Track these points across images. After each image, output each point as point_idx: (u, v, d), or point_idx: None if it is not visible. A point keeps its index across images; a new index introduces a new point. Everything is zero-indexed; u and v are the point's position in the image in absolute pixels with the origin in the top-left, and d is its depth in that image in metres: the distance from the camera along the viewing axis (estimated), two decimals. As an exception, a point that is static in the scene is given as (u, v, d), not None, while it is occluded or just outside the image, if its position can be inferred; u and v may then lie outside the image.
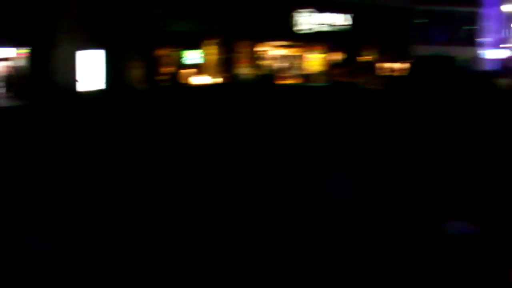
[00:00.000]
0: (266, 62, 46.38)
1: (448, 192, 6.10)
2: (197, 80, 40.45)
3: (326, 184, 6.27)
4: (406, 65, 50.26)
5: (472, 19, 62.06)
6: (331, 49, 38.55)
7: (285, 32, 46.53)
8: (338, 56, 48.45)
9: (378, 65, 51.59)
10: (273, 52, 47.39)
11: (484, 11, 64.79)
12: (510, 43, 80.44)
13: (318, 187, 6.37)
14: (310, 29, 47.52)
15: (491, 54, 69.36)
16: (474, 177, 7.72)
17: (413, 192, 7.24)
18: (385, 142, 9.11)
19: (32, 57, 33.28)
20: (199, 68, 42.90)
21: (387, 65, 52.66)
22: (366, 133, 10.09)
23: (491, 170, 8.09)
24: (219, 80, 41.10)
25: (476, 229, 5.02)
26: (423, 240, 5.32)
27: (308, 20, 47.49)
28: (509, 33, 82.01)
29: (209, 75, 41.99)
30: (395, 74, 47.90)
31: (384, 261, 5.75)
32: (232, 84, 37.76)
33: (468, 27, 62.28)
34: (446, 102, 12.06)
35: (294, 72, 47.64)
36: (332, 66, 47.35)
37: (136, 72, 37.75)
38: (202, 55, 43.50)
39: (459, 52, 59.95)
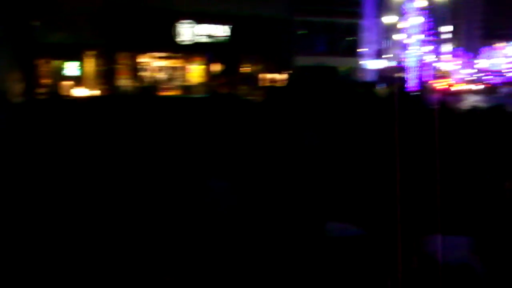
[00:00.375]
0: (147, 74, 46.06)
1: (330, 195, 6.24)
2: (77, 92, 39.79)
3: (205, 196, 6.32)
4: (286, 76, 50.83)
5: (352, 30, 63.19)
6: (210, 60, 38.35)
7: (166, 44, 46.29)
8: (219, 67, 48.47)
9: (260, 75, 51.81)
10: (154, 64, 47.11)
11: (364, 22, 66.08)
12: (389, 53, 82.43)
13: (199, 199, 6.40)
14: (191, 40, 47.38)
15: (371, 64, 70.86)
16: (353, 180, 8.02)
17: (291, 197, 7.33)
18: (263, 152, 9.22)
19: None
20: (79, 80, 42.26)
21: (269, 75, 52.93)
22: (244, 143, 10.18)
23: (370, 173, 8.39)
24: (100, 92, 40.51)
25: (358, 231, 5.12)
26: (305, 242, 5.38)
27: (189, 32, 47.36)
28: (388, 43, 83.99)
29: (90, 87, 41.36)
30: (276, 84, 48.35)
31: (266, 263, 5.85)
32: (113, 96, 37.30)
33: (349, 38, 63.29)
34: (325, 111, 12.11)
35: (176, 83, 47.40)
36: (214, 77, 47.32)
37: (14, 84, 36.86)
38: (83, 67, 42.88)
39: (340, 63, 61.03)
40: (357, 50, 63.43)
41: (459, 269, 4.61)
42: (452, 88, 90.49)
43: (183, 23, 47.10)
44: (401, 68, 74.17)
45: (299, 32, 59.38)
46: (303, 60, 57.04)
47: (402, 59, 75.59)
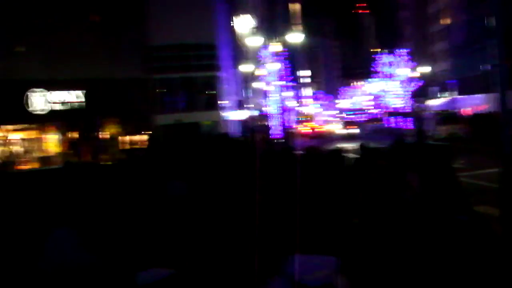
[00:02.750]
0: (2, 148, 43.91)
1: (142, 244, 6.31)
2: None
3: (45, 247, 6.26)
4: (147, 136, 49.83)
5: (211, 83, 62.82)
6: (59, 128, 36.79)
7: (19, 115, 44.50)
8: (76, 135, 46.91)
9: (120, 138, 50.69)
10: (9, 137, 45.08)
11: (222, 74, 65.93)
12: (250, 103, 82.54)
13: (37, 252, 6.34)
14: (45, 109, 45.83)
15: (233, 115, 70.54)
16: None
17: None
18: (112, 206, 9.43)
19: None
20: None
21: (131, 137, 51.87)
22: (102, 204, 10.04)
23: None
24: None
25: (169, 272, 4.96)
26: None
27: (42, 100, 45.81)
28: (248, 93, 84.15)
29: None
30: (138, 146, 47.23)
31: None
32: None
33: (208, 92, 62.92)
34: (189, 163, 12.33)
35: (33, 155, 45.60)
36: (72, 145, 45.68)
37: None
38: None
39: (202, 117, 60.47)
40: (218, 102, 63.07)
41: None
42: (317, 130, 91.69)
43: (35, 92, 45.54)
44: (264, 116, 74.22)
45: (159, 90, 58.71)
46: (164, 119, 56.30)
47: (264, 107, 75.73)
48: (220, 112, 62.99)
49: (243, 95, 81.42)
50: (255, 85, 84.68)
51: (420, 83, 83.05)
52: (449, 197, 8.87)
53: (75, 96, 47.62)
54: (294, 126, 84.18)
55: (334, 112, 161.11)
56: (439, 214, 7.47)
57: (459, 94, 79.53)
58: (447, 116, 57.76)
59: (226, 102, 67.22)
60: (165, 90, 59.71)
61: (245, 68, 70.83)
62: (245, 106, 77.78)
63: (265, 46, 70.91)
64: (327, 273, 4.67)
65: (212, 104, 62.38)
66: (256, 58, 77.95)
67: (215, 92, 63.08)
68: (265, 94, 76.47)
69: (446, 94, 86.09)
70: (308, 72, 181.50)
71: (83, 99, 47.75)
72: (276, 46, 49.89)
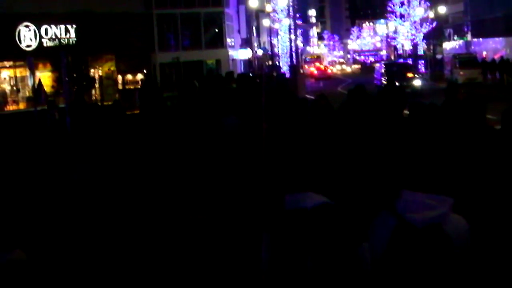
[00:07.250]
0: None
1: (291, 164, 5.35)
2: None
3: (72, 173, 9.07)
4: (143, 76, 47.64)
5: (217, 20, 59.65)
6: (31, 65, 33.68)
7: (9, 51, 41.66)
8: (69, 72, 44.18)
9: (118, 77, 48.19)
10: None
11: (229, 10, 62.91)
12: (257, 41, 79.80)
13: (68, 174, 9.06)
14: (33, 45, 42.88)
15: (239, 54, 67.94)
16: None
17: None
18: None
19: None
20: None
21: (128, 76, 49.37)
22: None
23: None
24: None
25: (323, 201, 4.62)
26: (262, 215, 5.21)
27: (30, 35, 42.86)
28: (256, 31, 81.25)
29: None
30: (133, 86, 45.21)
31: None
32: None
33: (214, 29, 59.80)
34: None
35: (25, 94, 43.00)
36: (63, 83, 42.86)
37: None
38: None
39: (207, 55, 57.60)
40: (223, 40, 59.92)
41: (430, 229, 4.36)
42: (328, 71, 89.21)
43: (26, 27, 42.63)
44: (271, 56, 71.50)
45: (161, 27, 55.74)
46: (168, 56, 53.43)
47: (272, 46, 72.89)
48: (225, 51, 59.81)
49: (250, 33, 78.43)
50: (261, 23, 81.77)
51: (434, 25, 79.77)
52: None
53: (67, 32, 44.78)
54: (303, 66, 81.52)
55: (341, 53, 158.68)
56: None
57: (473, 37, 77.05)
58: (466, 59, 54.45)
59: (231, 40, 64.08)
60: (165, 26, 56.60)
61: (252, 3, 67.20)
62: (251, 44, 74.98)
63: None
64: (438, 214, 4.34)
65: (215, 43, 59.24)
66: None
67: (220, 29, 59.84)
68: (272, 32, 73.56)
69: (457, 37, 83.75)
70: (313, 12, 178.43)
71: (76, 35, 44.87)
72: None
